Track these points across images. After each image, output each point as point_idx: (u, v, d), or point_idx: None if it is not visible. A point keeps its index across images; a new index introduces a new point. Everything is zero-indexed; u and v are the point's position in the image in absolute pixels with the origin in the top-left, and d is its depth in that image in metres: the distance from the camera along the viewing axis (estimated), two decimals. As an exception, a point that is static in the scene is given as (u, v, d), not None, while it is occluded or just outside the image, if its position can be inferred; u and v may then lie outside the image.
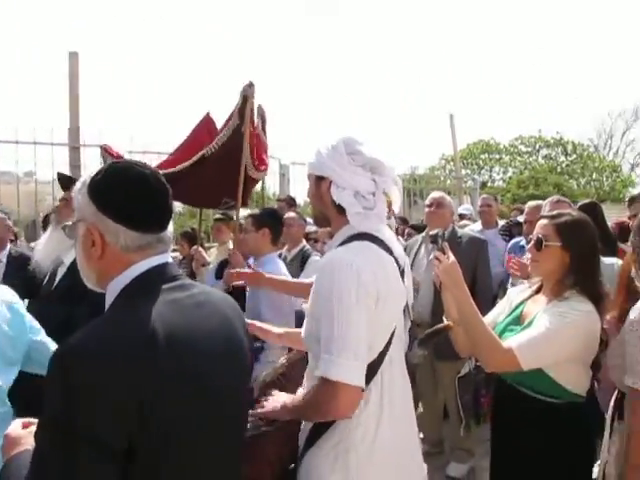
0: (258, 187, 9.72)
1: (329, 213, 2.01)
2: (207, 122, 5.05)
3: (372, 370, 1.84)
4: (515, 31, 69.28)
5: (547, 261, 2.43)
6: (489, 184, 31.81)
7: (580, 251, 2.40)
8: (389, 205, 2.16)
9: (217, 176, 4.66)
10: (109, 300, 1.41)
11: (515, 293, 2.71)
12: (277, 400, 1.98)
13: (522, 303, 2.58)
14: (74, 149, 7.34)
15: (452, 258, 2.23)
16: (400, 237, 5.81)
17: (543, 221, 2.50)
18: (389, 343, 1.92)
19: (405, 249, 4.73)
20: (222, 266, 5.31)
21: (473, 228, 6.36)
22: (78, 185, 1.45)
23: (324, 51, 70.43)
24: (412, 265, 4.49)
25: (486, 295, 4.28)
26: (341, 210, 1.95)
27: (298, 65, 68.43)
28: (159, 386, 1.24)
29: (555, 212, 2.56)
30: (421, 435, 4.86)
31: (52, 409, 1.19)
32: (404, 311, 2.05)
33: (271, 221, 4.13)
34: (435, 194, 4.61)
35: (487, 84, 68.13)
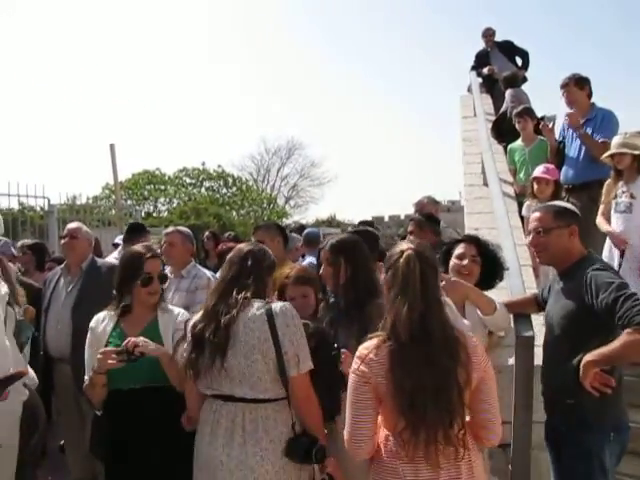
0: None
1: None
2: None
3: None
4: (177, 61, 71.73)
5: None
6: (154, 215, 32.04)
7: None
8: None
9: None
10: None
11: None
12: None
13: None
14: None
15: None
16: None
17: None
18: None
19: (45, 282, 4.57)
20: None
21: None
22: None
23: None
24: (51, 297, 4.37)
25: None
26: None
27: None
28: None
29: None
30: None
31: None
32: None
33: None
34: (71, 225, 4.56)
35: (153, 114, 68.87)
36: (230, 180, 37.58)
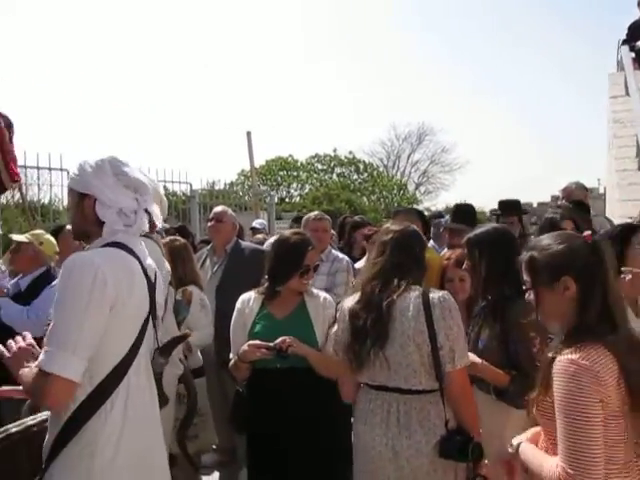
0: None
1: (90, 228, 2.09)
2: None
3: (118, 374, 1.95)
4: (308, 49, 72.98)
5: None
6: (287, 200, 32.88)
7: None
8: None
9: None
10: None
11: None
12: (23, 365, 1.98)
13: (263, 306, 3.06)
14: None
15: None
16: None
17: None
18: (135, 349, 2.01)
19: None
20: None
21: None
22: None
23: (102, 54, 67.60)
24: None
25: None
26: (101, 225, 2.04)
27: (85, 70, 65.01)
28: None
29: None
30: (213, 446, 4.93)
31: None
32: (153, 322, 2.16)
33: None
34: (217, 209, 4.76)
35: (286, 102, 70.57)
36: (361, 166, 37.73)
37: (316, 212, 5.06)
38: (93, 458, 1.87)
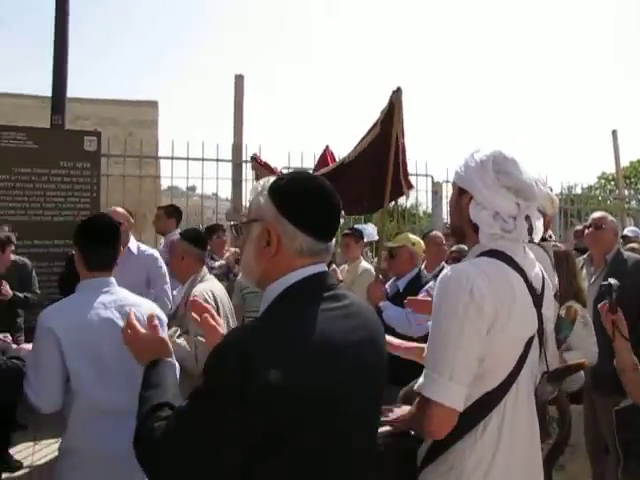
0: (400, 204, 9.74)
1: (465, 228, 1.94)
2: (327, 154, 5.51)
3: (493, 399, 1.77)
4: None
5: None
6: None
7: None
8: (547, 225, 2.10)
9: (358, 183, 4.86)
10: (268, 300, 1.47)
11: None
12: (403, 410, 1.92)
13: None
14: (237, 165, 7.79)
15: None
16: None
17: None
18: (515, 372, 1.80)
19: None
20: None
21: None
22: (258, 188, 1.54)
23: (479, 67, 68.91)
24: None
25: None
26: (477, 228, 1.88)
27: (452, 80, 67.44)
28: (310, 390, 1.31)
29: None
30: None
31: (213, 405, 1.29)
32: (540, 341, 1.92)
33: None
34: (596, 214, 4.45)
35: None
36: None
37: None
38: None
